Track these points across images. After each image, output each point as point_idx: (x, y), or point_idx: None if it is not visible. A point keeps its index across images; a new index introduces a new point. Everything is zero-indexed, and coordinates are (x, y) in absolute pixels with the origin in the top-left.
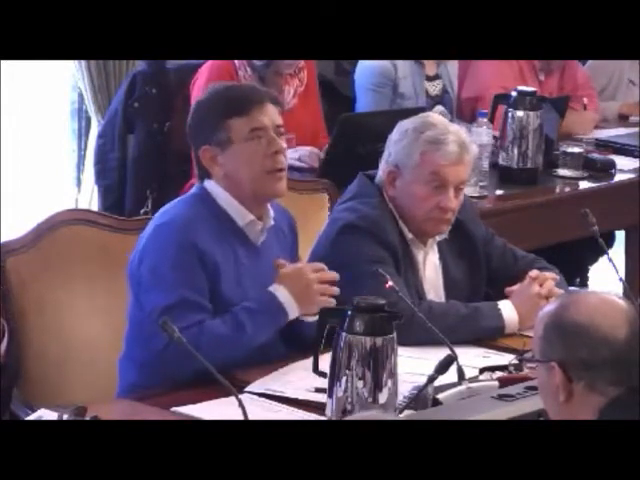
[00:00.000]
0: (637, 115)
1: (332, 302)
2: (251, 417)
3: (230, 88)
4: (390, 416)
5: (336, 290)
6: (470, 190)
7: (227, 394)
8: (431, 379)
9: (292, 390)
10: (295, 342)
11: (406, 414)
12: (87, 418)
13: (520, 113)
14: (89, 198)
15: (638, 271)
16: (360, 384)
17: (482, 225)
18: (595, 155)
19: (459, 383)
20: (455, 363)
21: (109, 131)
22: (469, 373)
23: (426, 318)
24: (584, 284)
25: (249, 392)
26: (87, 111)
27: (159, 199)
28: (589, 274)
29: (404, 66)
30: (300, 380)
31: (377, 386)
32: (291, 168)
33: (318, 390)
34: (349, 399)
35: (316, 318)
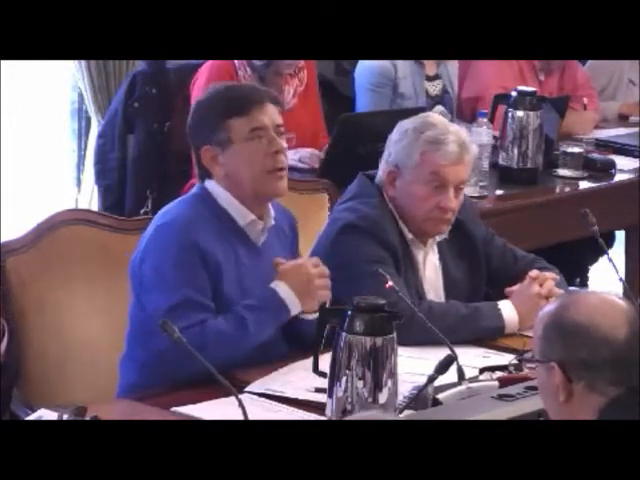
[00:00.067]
0: (637, 115)
1: (330, 296)
2: (251, 417)
3: (230, 88)
4: (390, 416)
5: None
6: (470, 190)
7: (227, 394)
8: (431, 379)
9: (292, 390)
10: (295, 341)
11: (406, 414)
12: (87, 418)
13: (520, 113)
14: (89, 198)
15: (638, 271)
16: (360, 384)
17: (482, 225)
18: (595, 155)
19: (459, 383)
20: (455, 363)
21: (109, 131)
22: (469, 373)
23: (426, 318)
24: (584, 284)
25: (249, 392)
26: (87, 111)
27: (159, 199)
28: (589, 274)
29: (404, 66)
30: (300, 380)
31: (377, 386)
32: (291, 169)
33: (318, 390)
34: (349, 399)
35: (316, 316)
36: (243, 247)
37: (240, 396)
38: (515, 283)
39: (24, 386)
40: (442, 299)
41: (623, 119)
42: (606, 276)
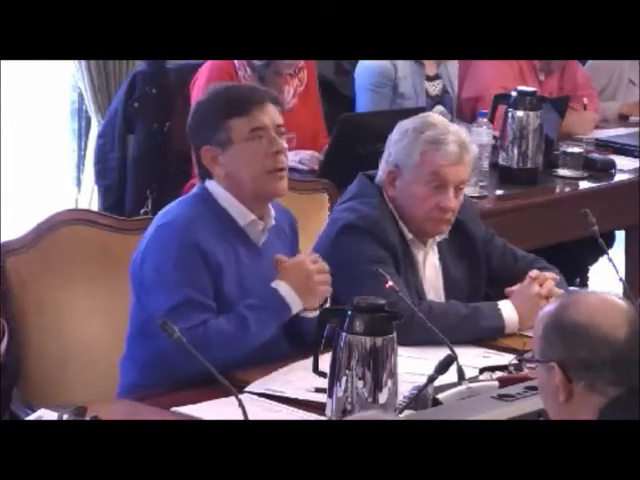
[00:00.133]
0: (637, 115)
1: (330, 291)
2: (251, 417)
3: (230, 88)
4: (390, 416)
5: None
6: (470, 190)
7: (227, 394)
8: (431, 379)
9: (292, 390)
10: (296, 340)
11: (406, 414)
12: (87, 418)
13: (520, 113)
14: (89, 198)
15: (638, 271)
16: (360, 384)
17: (482, 225)
18: (595, 155)
19: (459, 383)
20: (455, 363)
21: (109, 131)
22: (469, 373)
23: (426, 318)
24: (584, 284)
25: (249, 392)
26: (87, 111)
27: (159, 199)
28: (589, 274)
29: (404, 66)
30: (300, 380)
31: (377, 386)
32: (291, 170)
33: (318, 390)
34: (349, 399)
35: (316, 314)
36: (243, 247)
37: (240, 396)
38: (515, 283)
39: (24, 386)
40: (442, 299)
41: (623, 119)
42: (606, 276)
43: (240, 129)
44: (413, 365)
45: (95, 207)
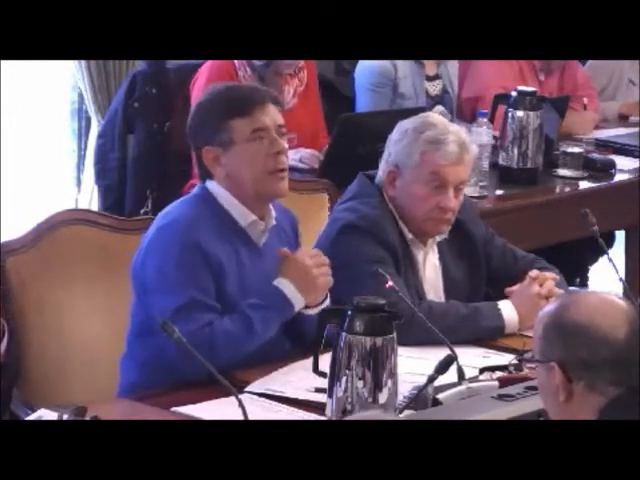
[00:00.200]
0: (637, 115)
1: (332, 282)
2: (251, 417)
3: (231, 89)
4: (390, 416)
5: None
6: (470, 190)
7: (227, 394)
8: (431, 379)
9: (292, 390)
10: (296, 339)
11: (406, 414)
12: (87, 418)
13: (520, 113)
14: (89, 198)
15: (638, 271)
16: (360, 384)
17: (482, 225)
18: (595, 155)
19: (459, 383)
20: (455, 363)
21: (109, 131)
22: (469, 373)
23: (426, 318)
24: (584, 284)
25: (249, 392)
26: (87, 111)
27: (159, 199)
28: (589, 274)
29: (404, 66)
30: (300, 380)
31: (377, 386)
32: (292, 169)
33: (318, 390)
34: (349, 399)
35: (317, 311)
36: (244, 247)
37: (240, 396)
38: (515, 283)
39: (24, 386)
40: (442, 299)
41: (623, 119)
42: (606, 276)
43: (242, 130)
44: (413, 365)
45: (95, 207)
